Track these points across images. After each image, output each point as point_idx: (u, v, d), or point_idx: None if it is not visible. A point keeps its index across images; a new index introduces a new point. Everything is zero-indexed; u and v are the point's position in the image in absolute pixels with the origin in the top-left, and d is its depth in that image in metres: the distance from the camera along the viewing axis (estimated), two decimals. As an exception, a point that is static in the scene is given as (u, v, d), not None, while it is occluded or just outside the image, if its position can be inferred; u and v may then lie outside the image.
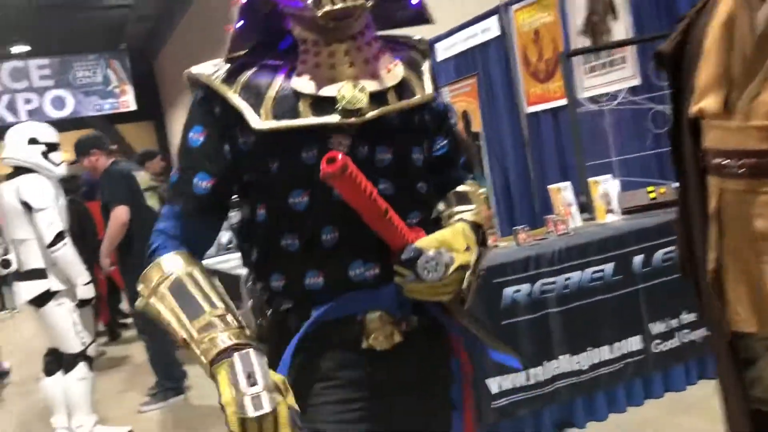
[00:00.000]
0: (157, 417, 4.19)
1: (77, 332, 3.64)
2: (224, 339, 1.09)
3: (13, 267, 3.70)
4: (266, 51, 1.27)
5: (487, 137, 5.67)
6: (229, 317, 1.14)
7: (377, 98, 1.22)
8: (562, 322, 2.84)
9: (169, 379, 4.38)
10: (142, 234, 4.12)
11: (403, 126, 1.27)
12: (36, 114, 14.79)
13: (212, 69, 1.25)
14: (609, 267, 2.94)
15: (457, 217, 1.32)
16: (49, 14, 12.44)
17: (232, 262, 3.82)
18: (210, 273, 1.26)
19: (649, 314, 3.02)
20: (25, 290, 3.60)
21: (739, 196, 1.34)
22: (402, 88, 1.26)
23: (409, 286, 1.18)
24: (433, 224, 1.31)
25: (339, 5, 1.13)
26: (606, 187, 3.46)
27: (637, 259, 3.01)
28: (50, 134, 3.74)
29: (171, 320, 1.16)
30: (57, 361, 3.74)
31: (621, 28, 4.28)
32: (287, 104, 1.20)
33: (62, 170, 3.78)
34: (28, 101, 15.07)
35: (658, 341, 3.03)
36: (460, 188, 1.39)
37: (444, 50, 5.92)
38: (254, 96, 1.20)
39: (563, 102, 4.51)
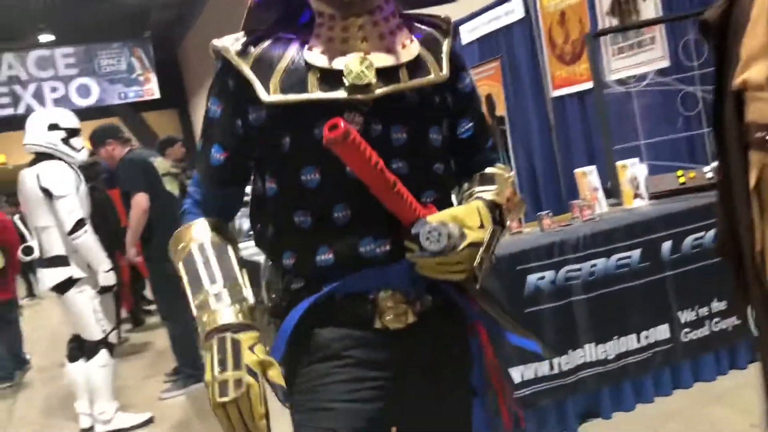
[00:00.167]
0: (178, 404, 4.19)
1: (98, 320, 3.64)
2: (213, 320, 1.14)
3: (36, 254, 3.71)
4: (286, 25, 1.25)
5: (511, 121, 5.57)
6: (225, 294, 1.17)
7: (389, 75, 1.19)
8: (588, 310, 2.76)
9: (190, 366, 4.38)
10: (162, 220, 4.12)
11: (421, 105, 1.24)
12: (62, 102, 14.93)
13: (232, 41, 1.23)
14: (636, 254, 2.85)
15: (475, 195, 1.28)
16: (74, 3, 12.53)
17: (251, 249, 3.79)
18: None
19: (678, 302, 2.93)
20: (48, 277, 3.61)
21: None
22: (415, 67, 1.22)
23: (419, 261, 1.15)
24: (448, 205, 1.27)
25: None
26: (633, 171, 3.36)
27: (666, 246, 2.91)
28: (71, 119, 3.73)
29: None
30: (80, 348, 3.75)
31: (650, 7, 4.15)
32: (296, 78, 1.18)
33: (83, 155, 3.78)
34: (54, 90, 15.23)
35: (687, 330, 2.94)
36: (488, 170, 1.35)
37: (467, 33, 5.82)
38: (266, 68, 1.19)
39: (590, 85, 4.40)
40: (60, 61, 15.35)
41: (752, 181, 1.32)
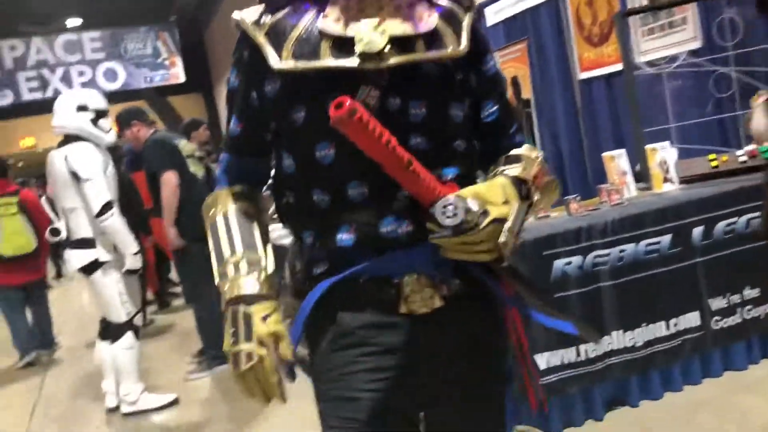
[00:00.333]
0: (203, 385, 4.22)
1: (123, 302, 3.67)
2: (230, 290, 1.17)
3: (63, 235, 3.73)
4: None
5: (537, 104, 5.49)
6: (243, 264, 1.18)
7: (404, 46, 1.15)
8: (616, 297, 2.70)
9: (215, 347, 4.40)
10: (186, 202, 4.13)
11: (441, 80, 1.20)
12: (89, 86, 15.05)
13: (250, 12, 1.22)
14: (666, 239, 2.79)
15: (499, 173, 1.23)
16: (100, -13, 12.58)
17: (276, 233, 3.78)
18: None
19: (709, 289, 2.86)
20: (75, 258, 3.64)
21: None
22: (433, 39, 1.18)
23: (442, 242, 1.10)
24: (471, 184, 1.21)
25: None
26: (663, 154, 3.28)
27: (697, 231, 2.85)
28: (99, 101, 3.73)
29: None
30: (106, 328, 3.79)
31: (682, -14, 4.04)
32: (308, 45, 1.15)
33: (112, 137, 3.78)
34: (81, 74, 15.35)
35: (717, 318, 2.88)
36: (514, 151, 1.29)
37: (493, 14, 5.73)
38: (279, 37, 1.17)
39: (618, 67, 4.30)
40: (87, 45, 15.47)
41: None
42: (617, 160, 3.23)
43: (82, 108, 3.63)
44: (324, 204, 1.18)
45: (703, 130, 3.86)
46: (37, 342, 5.63)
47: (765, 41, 3.57)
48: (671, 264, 2.79)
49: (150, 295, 6.61)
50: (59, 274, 10.81)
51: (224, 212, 1.25)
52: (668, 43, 4.20)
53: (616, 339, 2.71)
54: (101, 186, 3.53)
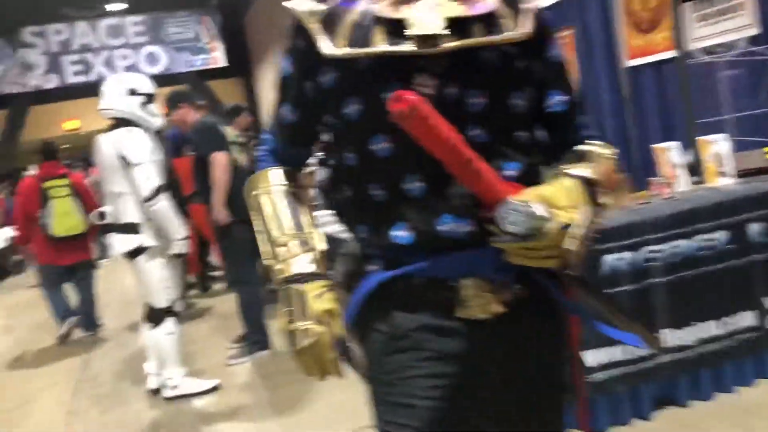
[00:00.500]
0: (243, 370, 4.25)
1: (165, 288, 3.70)
2: (282, 270, 1.18)
3: (108, 219, 3.77)
4: None
5: (583, 93, 5.37)
6: (294, 243, 1.20)
7: (462, 31, 1.09)
8: (667, 294, 2.62)
9: (256, 333, 4.43)
10: (230, 187, 4.14)
11: (501, 68, 1.14)
12: (131, 70, 15.23)
13: (305, 0, 1.19)
14: (721, 235, 2.69)
15: (565, 173, 1.16)
16: (143, -29, 12.69)
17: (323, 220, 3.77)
18: None
19: (766, 288, 2.76)
20: (119, 243, 3.67)
21: None
22: (492, 23, 1.12)
23: (505, 246, 1.05)
24: (534, 181, 1.16)
25: None
26: (717, 147, 3.17)
27: (754, 227, 2.74)
28: (148, 85, 3.75)
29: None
30: (148, 312, 3.82)
31: (740, -29, 3.88)
32: (362, 32, 1.12)
33: (159, 122, 3.80)
34: (124, 57, 15.56)
35: (774, 317, 2.78)
36: (582, 147, 1.22)
37: (539, 2, 5.60)
38: (333, 24, 1.14)
39: (668, 54, 4.17)
40: (130, 30, 15.66)
41: None
42: (669, 152, 3.13)
43: (132, 92, 3.64)
44: (379, 198, 1.15)
45: (759, 122, 3.72)
46: (80, 320, 5.76)
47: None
48: (726, 261, 2.70)
49: (191, 279, 6.69)
50: (102, 256, 10.99)
51: (270, 193, 1.26)
52: (723, 29, 4.05)
53: (667, 337, 2.63)
54: (151, 170, 3.55)
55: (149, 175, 3.53)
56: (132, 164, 3.52)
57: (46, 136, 9.63)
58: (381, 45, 1.10)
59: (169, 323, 3.74)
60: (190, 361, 4.27)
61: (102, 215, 3.87)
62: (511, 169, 1.13)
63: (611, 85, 5.08)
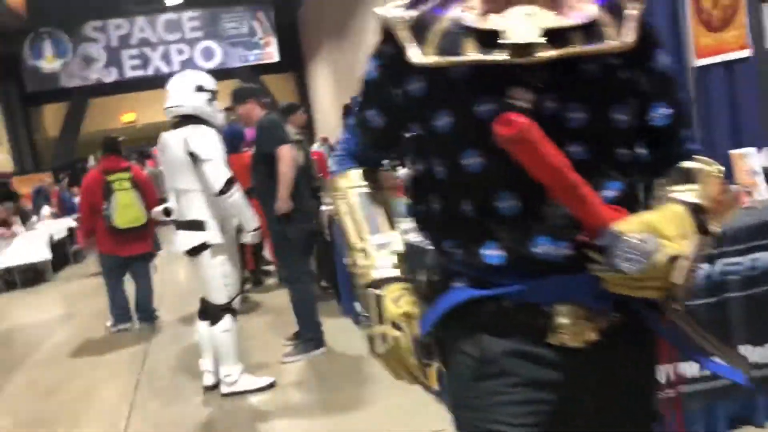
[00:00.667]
0: (298, 369, 4.25)
1: (225, 285, 3.72)
2: (362, 275, 1.19)
3: (174, 215, 3.81)
4: None
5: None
6: (372, 248, 1.20)
7: (559, 40, 1.03)
8: (745, 309, 2.51)
9: (310, 330, 4.43)
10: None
11: (603, 80, 1.07)
12: (188, 64, 15.50)
13: (393, 7, 1.16)
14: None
15: (672, 196, 1.10)
16: (200, -33, 12.87)
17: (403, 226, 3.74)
18: None
19: None
20: (184, 240, 3.70)
21: None
22: (593, 32, 1.05)
23: (607, 276, 0.99)
24: (636, 201, 1.11)
25: None
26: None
27: (840, 241, 2.60)
28: (212, 82, 3.80)
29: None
30: (205, 309, 3.86)
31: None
32: (451, 40, 1.07)
33: (222, 119, 3.84)
34: (180, 52, 15.85)
35: None
36: (686, 164, 1.16)
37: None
38: (422, 31, 1.10)
39: (742, 54, 4.00)
40: (186, 25, 15.93)
41: None
42: (747, 158, 3.00)
43: (199, 89, 3.67)
44: (469, 215, 1.10)
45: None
46: (136, 314, 5.89)
47: None
48: (809, 275, 2.56)
49: (245, 273, 6.76)
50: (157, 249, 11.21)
51: (348, 196, 1.26)
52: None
53: (744, 354, 2.52)
54: (222, 164, 3.58)
55: (221, 168, 3.57)
56: (203, 160, 3.55)
57: (104, 128, 9.86)
58: (472, 54, 1.05)
59: (227, 320, 3.76)
60: (245, 357, 4.29)
61: (167, 212, 3.92)
62: (613, 190, 1.07)
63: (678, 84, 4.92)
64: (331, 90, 14.59)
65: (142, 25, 15.63)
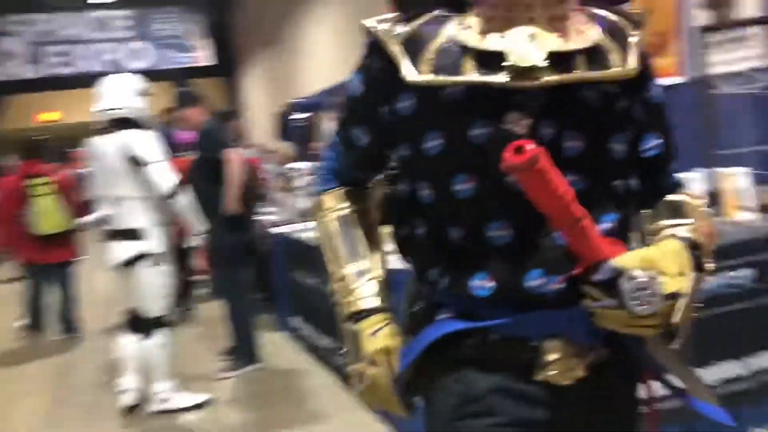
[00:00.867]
0: (232, 385, 4.10)
1: (162, 297, 3.55)
2: (343, 309, 1.15)
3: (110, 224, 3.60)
4: (445, 3, 1.09)
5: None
6: (351, 277, 1.16)
7: (561, 65, 0.99)
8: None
9: (245, 344, 4.28)
10: (221, 195, 4.00)
11: (601, 108, 1.04)
12: (115, 65, 14.99)
13: (383, 19, 1.10)
14: (747, 273, 2.62)
15: (668, 232, 1.07)
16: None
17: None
18: None
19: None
20: (121, 249, 3.50)
21: None
22: (595, 57, 1.02)
23: (606, 313, 0.95)
24: (628, 233, 1.10)
25: None
26: (737, 180, 3.12)
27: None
28: (146, 84, 3.65)
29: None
30: (136, 322, 3.63)
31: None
32: (449, 59, 1.01)
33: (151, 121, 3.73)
34: (107, 52, 15.31)
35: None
36: (673, 197, 1.14)
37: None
38: (417, 48, 1.03)
39: (677, 80, 4.13)
40: (115, 24, 15.42)
41: None
42: (690, 183, 3.06)
43: (140, 92, 3.54)
44: (458, 243, 1.05)
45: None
46: (59, 325, 5.61)
47: None
48: (753, 299, 2.63)
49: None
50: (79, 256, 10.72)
51: (325, 220, 1.22)
52: (736, 57, 4.02)
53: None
54: (167, 167, 3.46)
55: (167, 172, 3.44)
56: (148, 164, 3.40)
57: (23, 127, 9.37)
58: (471, 75, 1.00)
59: (163, 334, 3.58)
60: (175, 372, 4.10)
61: (101, 221, 3.68)
62: (608, 221, 1.04)
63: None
64: (265, 96, 14.40)
65: (65, 23, 15.05)
